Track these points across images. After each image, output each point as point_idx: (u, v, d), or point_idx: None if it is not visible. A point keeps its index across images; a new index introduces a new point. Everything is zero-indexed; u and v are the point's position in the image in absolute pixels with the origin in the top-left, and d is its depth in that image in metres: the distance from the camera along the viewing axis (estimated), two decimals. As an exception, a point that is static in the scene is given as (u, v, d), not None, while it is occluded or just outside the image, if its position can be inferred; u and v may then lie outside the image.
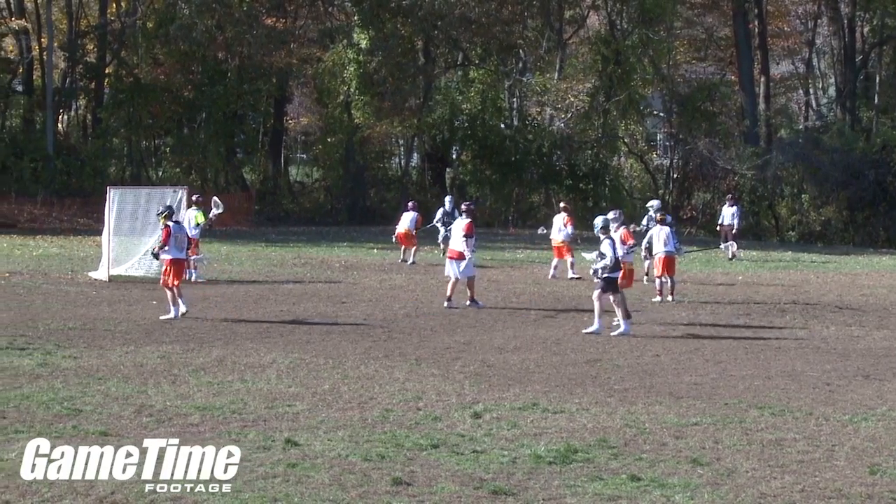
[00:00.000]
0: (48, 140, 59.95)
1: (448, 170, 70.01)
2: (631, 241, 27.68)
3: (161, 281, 25.79)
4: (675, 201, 66.01)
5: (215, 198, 34.47)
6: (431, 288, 31.53)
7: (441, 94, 68.03)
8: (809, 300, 31.03)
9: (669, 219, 31.32)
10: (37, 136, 61.36)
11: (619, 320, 23.99)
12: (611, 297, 23.93)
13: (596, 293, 24.02)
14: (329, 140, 67.11)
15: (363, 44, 61.55)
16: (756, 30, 70.29)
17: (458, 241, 27.81)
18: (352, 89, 62.50)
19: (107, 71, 65.67)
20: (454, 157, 70.58)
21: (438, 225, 39.89)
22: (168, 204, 28.16)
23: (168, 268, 25.35)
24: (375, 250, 44.54)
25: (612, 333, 23.63)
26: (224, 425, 14.68)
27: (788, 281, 36.45)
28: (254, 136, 70.33)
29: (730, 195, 50.82)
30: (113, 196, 33.21)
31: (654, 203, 35.01)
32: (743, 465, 13.32)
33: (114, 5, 66.30)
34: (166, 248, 25.44)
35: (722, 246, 43.82)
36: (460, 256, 27.55)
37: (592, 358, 20.76)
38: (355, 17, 63.36)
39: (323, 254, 42.46)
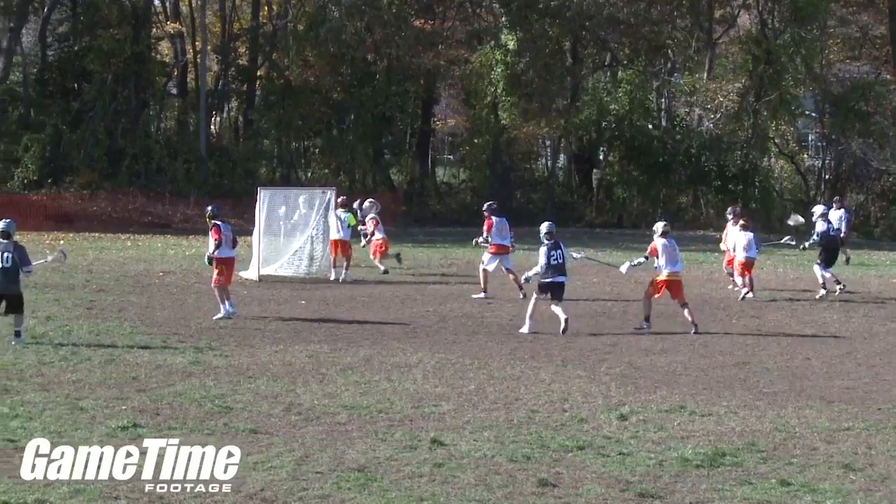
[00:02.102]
0: (201, 141, 60.89)
1: (595, 171, 69.61)
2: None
3: (213, 280, 25.17)
4: (828, 203, 64.88)
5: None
6: (577, 290, 31.42)
7: (588, 95, 67.65)
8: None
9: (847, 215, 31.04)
10: (190, 138, 62.35)
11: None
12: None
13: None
14: (476, 141, 67.13)
15: (511, 45, 61.46)
16: (913, 28, 68.81)
17: (504, 238, 30.23)
18: (499, 90, 62.42)
19: (258, 73, 66.51)
20: (601, 157, 70.18)
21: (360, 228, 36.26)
22: (215, 205, 27.56)
23: (220, 266, 25.00)
24: (521, 252, 44.43)
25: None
26: (371, 424, 14.77)
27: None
28: (401, 138, 70.61)
29: (837, 197, 49.42)
30: (263, 196, 33.60)
31: (819, 208, 33.35)
32: (896, 471, 13.07)
33: (266, 8, 67.10)
34: (220, 247, 25.12)
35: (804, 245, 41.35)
36: (504, 250, 30.05)
37: (741, 360, 20.51)
38: (503, 19, 63.25)
39: (469, 255, 42.52)
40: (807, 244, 31.65)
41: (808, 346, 22.31)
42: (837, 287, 30.75)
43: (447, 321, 25.04)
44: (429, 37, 65.09)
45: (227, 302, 24.79)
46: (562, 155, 72.01)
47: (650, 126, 67.34)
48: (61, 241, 42.33)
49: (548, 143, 72.10)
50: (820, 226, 31.22)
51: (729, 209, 33.41)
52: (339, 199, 33.81)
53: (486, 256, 30.26)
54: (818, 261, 30.99)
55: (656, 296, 24.43)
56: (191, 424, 14.48)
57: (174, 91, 68.24)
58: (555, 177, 70.15)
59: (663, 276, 24.24)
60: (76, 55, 60.25)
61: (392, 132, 68.48)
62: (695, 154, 64.19)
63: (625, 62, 67.66)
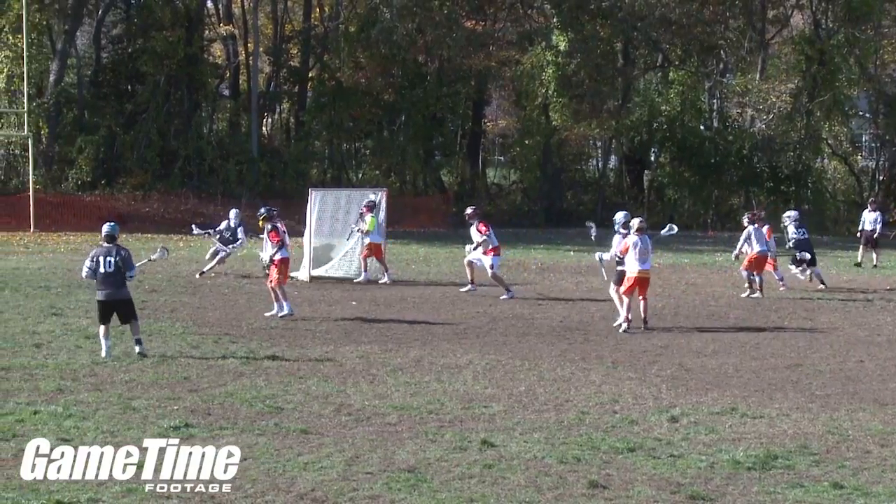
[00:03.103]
0: (253, 143, 61.16)
1: (646, 172, 69.45)
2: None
3: (273, 280, 25.18)
4: (881, 204, 64.47)
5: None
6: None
7: (640, 96, 67.52)
8: None
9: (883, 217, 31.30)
10: (242, 139, 62.59)
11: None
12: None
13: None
14: (526, 142, 67.07)
15: (562, 46, 61.40)
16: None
17: (493, 240, 30.21)
18: (550, 91, 62.33)
19: (310, 75, 66.72)
20: (652, 159, 69.98)
21: (216, 238, 34.27)
22: (269, 206, 27.66)
23: (278, 266, 25.13)
24: (572, 252, 44.41)
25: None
26: (421, 425, 14.78)
27: None
28: (452, 139, 70.67)
29: (872, 199, 48.91)
30: (314, 198, 33.67)
31: (792, 214, 33.94)
32: (950, 475, 12.94)
33: (317, 10, 67.30)
34: (281, 248, 25.32)
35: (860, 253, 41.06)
36: (497, 251, 30.17)
37: (793, 363, 20.38)
38: (554, 20, 63.19)
39: (519, 256, 42.48)
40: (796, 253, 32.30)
41: (862, 349, 22.14)
42: (782, 287, 31.64)
43: (497, 322, 25.03)
44: (480, 38, 65.12)
45: (286, 302, 24.89)
46: (613, 156, 71.88)
47: (702, 127, 67.13)
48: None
49: (599, 144, 72.01)
50: (791, 231, 32.48)
51: (746, 215, 33.02)
52: (366, 203, 33.09)
53: (488, 259, 29.98)
54: (791, 261, 32.14)
55: (627, 294, 24.48)
56: (242, 424, 14.53)
57: (226, 93, 68.55)
58: (606, 178, 70.04)
59: (634, 273, 24.36)
60: (130, 57, 60.66)
61: (443, 133, 68.54)
62: (747, 155, 63.91)
63: (676, 63, 67.44)
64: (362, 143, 69.64)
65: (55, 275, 32.45)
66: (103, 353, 19.24)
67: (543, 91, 62.74)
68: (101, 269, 19.53)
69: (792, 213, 33.87)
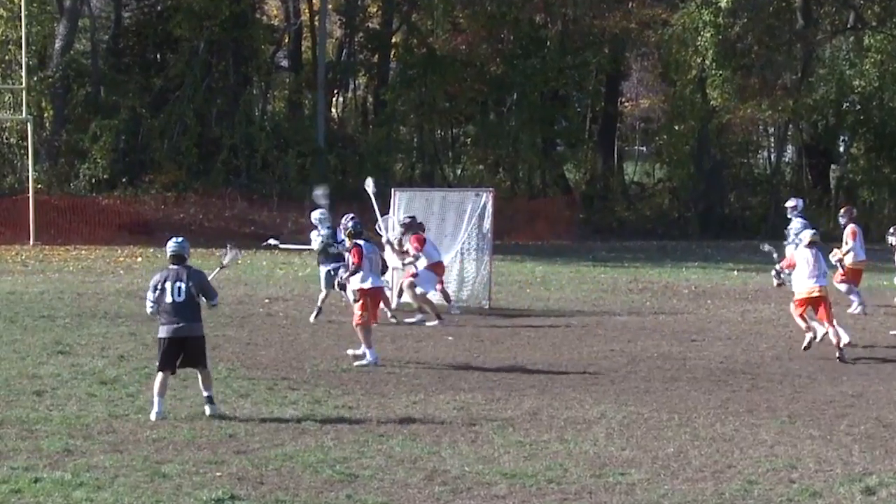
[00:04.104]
0: (318, 129, 61.40)
1: (833, 167, 69.05)
2: None
3: (355, 319, 24.76)
4: None
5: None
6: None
7: (825, 68, 67.15)
8: None
9: None
10: (305, 125, 62.84)
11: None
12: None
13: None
14: (676, 128, 66.93)
15: (723, 2, 61.16)
16: None
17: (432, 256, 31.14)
18: (707, 61, 62.15)
19: (393, 40, 66.94)
20: (841, 149, 69.55)
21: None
22: (353, 217, 27.25)
23: (362, 300, 24.74)
24: (736, 272, 44.21)
25: None
26: (538, 498, 14.76)
27: None
28: (579, 124, 70.70)
29: None
30: (399, 200, 33.77)
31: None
32: None
33: (403, -45, 67.48)
34: (359, 273, 24.82)
35: None
36: (437, 270, 31.37)
37: None
38: (713, -34, 63.10)
39: (667, 276, 42.36)
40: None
41: None
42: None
43: (638, 363, 24.96)
44: (616, -9, 65.12)
45: (370, 349, 24.55)
46: (789, 146, 71.51)
47: (907, 108, 66.59)
48: (139, 255, 42.86)
49: (771, 130, 71.69)
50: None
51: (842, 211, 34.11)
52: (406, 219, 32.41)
53: (420, 277, 30.69)
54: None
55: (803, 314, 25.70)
56: (304, 497, 14.58)
57: (284, 64, 69.03)
58: (780, 175, 69.74)
59: (804, 292, 25.50)
60: (159, 17, 61.16)
61: (567, 116, 68.61)
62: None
63: (873, 24, 66.97)
64: (461, 130, 69.88)
65: (61, 301, 32.78)
66: (153, 414, 18.84)
67: (699, 61, 62.55)
68: (168, 298, 19.15)
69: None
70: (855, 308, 32.96)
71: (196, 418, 18.80)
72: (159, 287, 19.18)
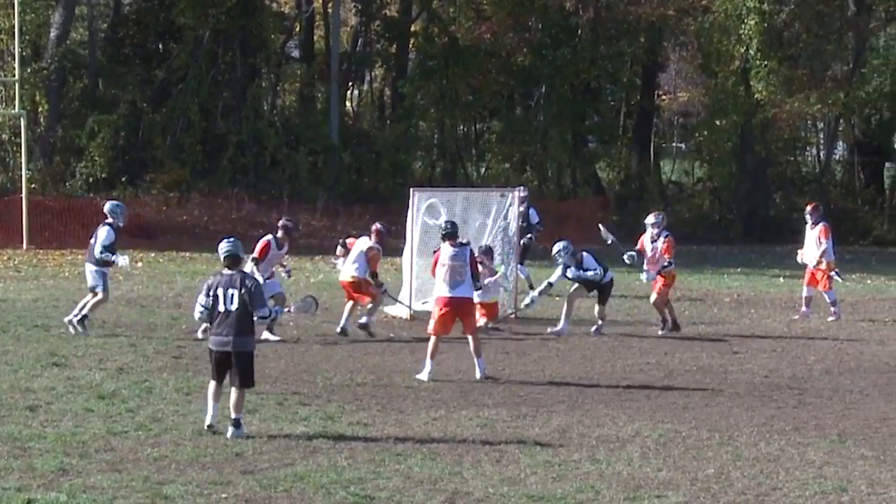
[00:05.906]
0: (332, 125, 61.48)
1: (888, 165, 68.96)
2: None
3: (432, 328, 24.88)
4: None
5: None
6: (861, 334, 31.07)
7: (879, 58, 67.01)
8: None
9: None
10: (317, 120, 62.93)
11: None
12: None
13: None
14: (717, 123, 66.84)
15: (769, -13, 61.23)
16: None
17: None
18: (751, 51, 62.07)
19: (412, 29, 67.00)
20: (896, 146, 69.53)
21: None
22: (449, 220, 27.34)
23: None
24: (782, 279, 44.16)
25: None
26: (567, 523, 14.80)
27: None
28: (612, 119, 70.69)
29: None
30: (418, 201, 33.74)
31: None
32: None
33: (423, -62, 67.56)
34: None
35: None
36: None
37: None
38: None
39: (707, 284, 42.35)
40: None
41: None
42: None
43: (675, 378, 24.98)
44: (652, -24, 65.12)
45: (431, 360, 24.46)
46: (840, 143, 71.42)
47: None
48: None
49: (820, 125, 71.61)
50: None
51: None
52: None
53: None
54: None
55: None
56: (316, 520, 14.63)
57: (295, 54, 69.12)
58: (829, 174, 69.66)
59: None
60: (161, 4, 61.25)
61: (599, 111, 68.61)
62: None
63: (934, 10, 66.86)
64: (485, 125, 69.89)
65: (56, 310, 32.82)
66: (208, 420, 18.99)
67: (742, 51, 62.49)
68: (221, 307, 18.85)
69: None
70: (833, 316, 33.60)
71: (200, 435, 18.84)
72: (212, 293, 18.93)
